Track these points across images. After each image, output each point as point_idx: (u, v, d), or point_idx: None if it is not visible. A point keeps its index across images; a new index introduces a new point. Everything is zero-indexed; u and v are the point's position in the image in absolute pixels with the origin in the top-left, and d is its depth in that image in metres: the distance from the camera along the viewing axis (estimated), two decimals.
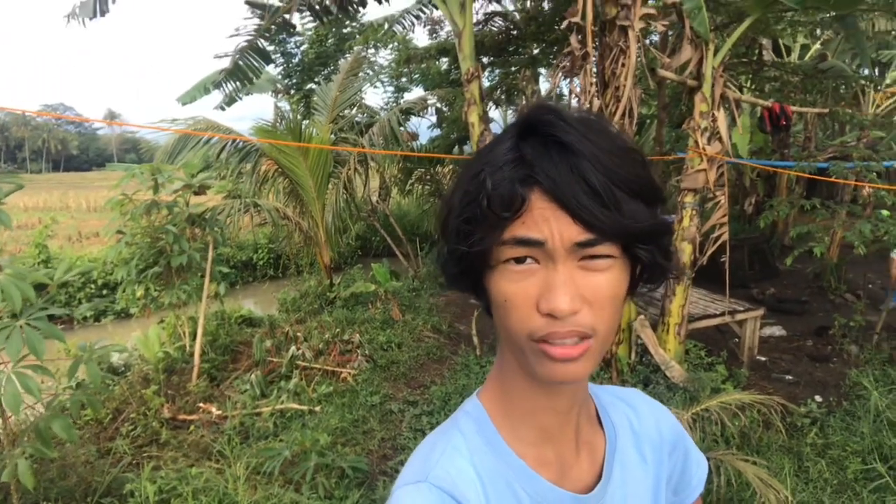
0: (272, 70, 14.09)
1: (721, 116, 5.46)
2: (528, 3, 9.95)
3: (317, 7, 7.38)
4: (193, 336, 6.40)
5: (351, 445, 4.78)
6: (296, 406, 5.35)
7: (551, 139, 0.62)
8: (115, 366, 6.46)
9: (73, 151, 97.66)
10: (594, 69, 5.32)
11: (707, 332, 6.29)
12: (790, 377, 5.73)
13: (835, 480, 3.82)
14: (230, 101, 14.41)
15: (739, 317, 5.95)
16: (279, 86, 14.84)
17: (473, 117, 6.17)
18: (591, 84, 5.32)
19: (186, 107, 14.21)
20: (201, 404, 5.52)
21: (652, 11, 5.09)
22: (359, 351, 6.41)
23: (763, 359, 6.15)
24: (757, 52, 10.68)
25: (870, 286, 7.99)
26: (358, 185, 9.45)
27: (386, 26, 12.83)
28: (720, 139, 5.43)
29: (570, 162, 0.60)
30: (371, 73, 13.72)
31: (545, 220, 0.60)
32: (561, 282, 0.60)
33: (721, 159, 5.44)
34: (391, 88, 14.54)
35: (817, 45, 11.99)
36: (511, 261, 0.63)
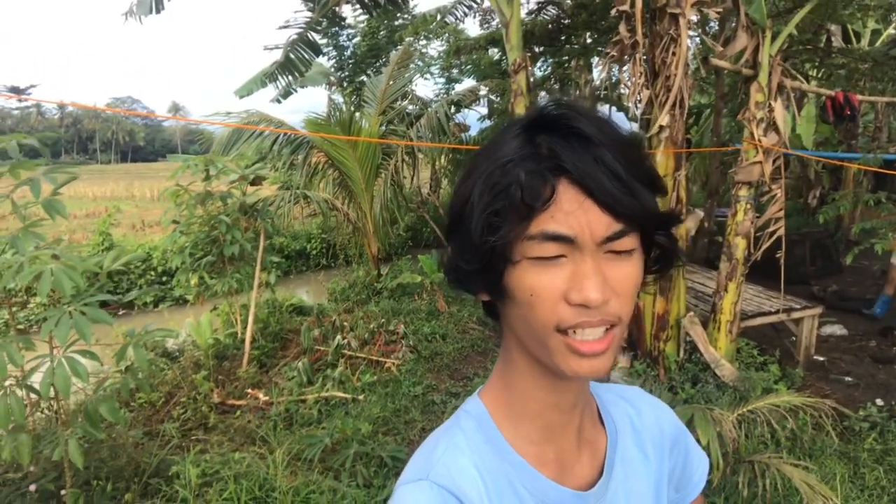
0: (325, 63, 14.26)
1: (778, 107, 5.24)
2: None
3: (366, 0, 7.42)
4: (245, 323, 6.55)
5: (392, 435, 4.82)
6: (340, 394, 5.43)
7: (571, 132, 0.62)
8: (170, 351, 6.68)
9: (139, 143, 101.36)
10: (644, 58, 5.18)
11: (761, 330, 6.08)
12: (850, 379, 5.49)
13: (893, 489, 3.64)
14: (285, 93, 14.69)
15: (796, 315, 5.71)
16: (332, 78, 15.01)
17: (520, 108, 6.11)
18: (641, 74, 5.18)
19: (244, 99, 14.59)
20: (249, 390, 5.65)
21: None
22: (403, 341, 6.46)
23: (821, 359, 5.91)
24: (824, 38, 10.21)
25: None
26: (407, 177, 9.48)
27: (438, 17, 12.83)
28: (777, 130, 5.22)
29: (593, 152, 0.61)
30: (421, 64, 13.73)
31: (574, 214, 0.61)
32: (592, 273, 0.61)
33: (778, 151, 5.23)
34: (442, 80, 14.53)
35: (890, 30, 11.37)
36: (540, 258, 0.62)
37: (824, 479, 3.56)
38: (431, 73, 14.59)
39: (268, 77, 14.20)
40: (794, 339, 5.96)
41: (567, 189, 0.61)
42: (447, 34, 13.16)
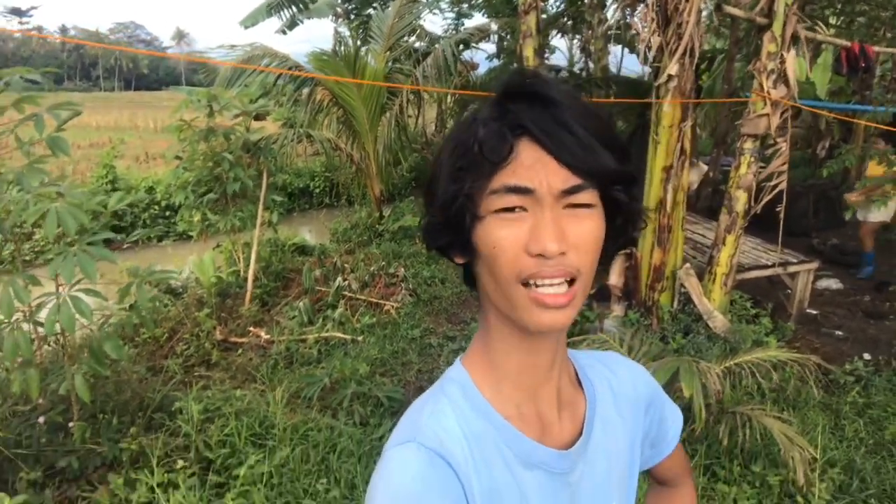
0: None
1: (790, 58, 5.13)
2: None
3: None
4: (248, 262, 6.63)
5: (389, 376, 4.96)
6: (339, 335, 5.55)
7: (536, 96, 0.67)
8: (174, 287, 6.78)
9: (143, 70, 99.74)
10: (657, 3, 5.04)
11: (758, 282, 6.13)
12: (840, 333, 5.58)
13: (871, 440, 3.76)
14: (291, 24, 14.36)
15: (792, 269, 5.76)
16: (339, 10, 14.63)
17: (528, 51, 5.99)
18: (653, 19, 5.07)
19: (249, 29, 14.28)
20: (251, 328, 5.77)
21: None
22: (403, 284, 6.54)
23: (814, 312, 5.99)
24: None
25: None
26: (412, 116, 9.36)
27: None
28: (787, 83, 5.13)
29: (554, 113, 0.66)
30: None
31: (533, 168, 0.65)
32: (549, 224, 0.65)
33: (786, 104, 5.15)
34: (452, 14, 14.14)
35: None
36: (501, 210, 0.66)
37: (805, 431, 3.68)
38: (440, 9, 14.21)
39: (273, 7, 13.88)
40: (788, 292, 6.02)
41: (527, 146, 0.65)
42: None
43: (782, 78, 5.13)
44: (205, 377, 4.80)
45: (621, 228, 0.74)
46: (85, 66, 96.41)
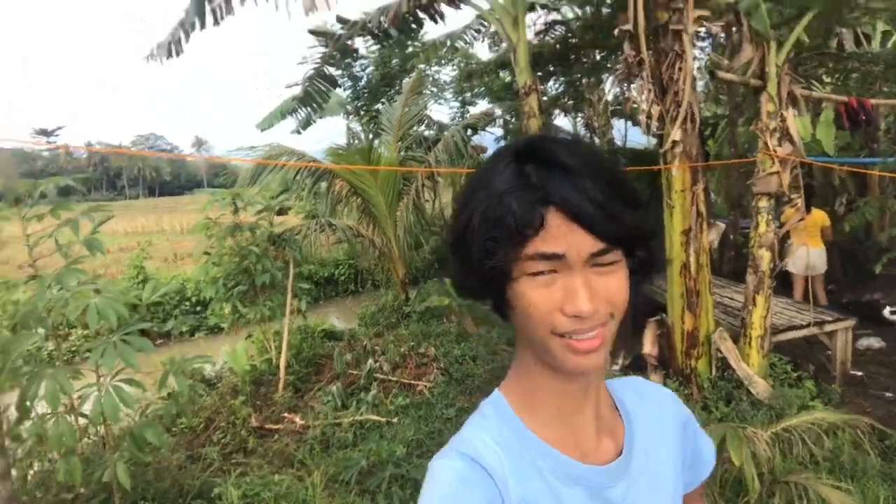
0: (342, 93, 14.56)
1: (790, 116, 5.27)
2: (585, 11, 9.90)
3: (377, 32, 7.63)
4: (279, 350, 6.70)
5: (426, 457, 4.88)
6: (374, 417, 5.53)
7: (554, 162, 0.72)
8: (208, 377, 6.84)
9: (166, 177, 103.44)
10: (651, 75, 5.25)
11: (795, 344, 5.98)
12: (890, 394, 5.40)
13: None
14: (305, 124, 14.96)
15: (829, 328, 5.64)
16: (349, 108, 15.32)
17: (533, 129, 6.21)
18: (650, 90, 5.26)
19: (265, 132, 14.91)
20: (286, 414, 5.78)
21: (706, 13, 5.00)
22: (434, 364, 6.54)
23: (859, 373, 5.77)
24: (836, 42, 10.13)
25: None
26: (428, 200, 9.63)
27: (448, 43, 13.05)
28: (791, 140, 5.24)
29: (574, 182, 0.71)
30: (435, 89, 13.93)
31: (563, 235, 0.70)
32: (581, 287, 0.71)
33: (794, 160, 5.25)
34: (456, 103, 14.74)
35: None
36: (534, 274, 0.72)
37: (865, 503, 3.51)
38: (445, 98, 14.82)
39: (288, 111, 14.54)
40: (828, 353, 5.86)
41: (555, 216, 0.70)
42: (458, 59, 13.36)
43: (786, 135, 5.25)
44: (242, 464, 4.77)
45: (640, 277, 0.80)
46: (110, 177, 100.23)
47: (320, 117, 15.01)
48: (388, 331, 7.88)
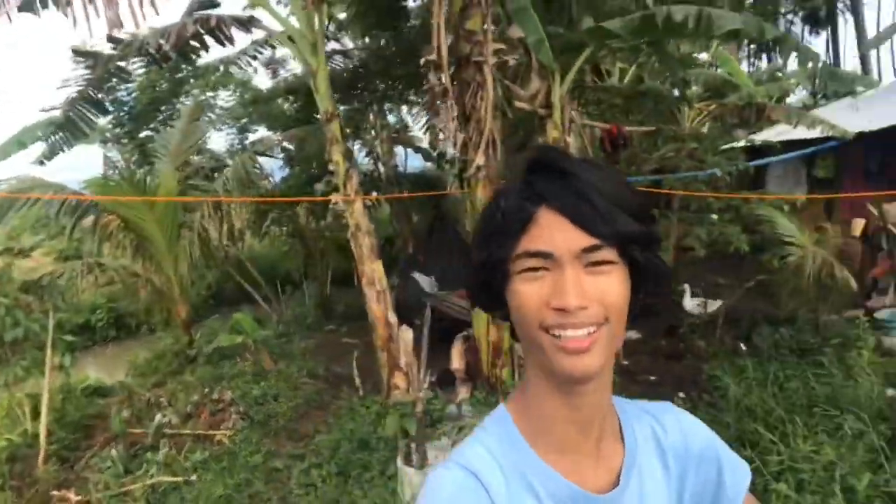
0: (99, 119, 13.06)
1: (571, 142, 5.82)
2: (373, 42, 10.08)
3: (155, 54, 6.94)
4: (35, 416, 5.69)
5: None
6: (169, 478, 4.92)
7: (557, 171, 0.75)
8: None
9: None
10: (454, 104, 5.44)
11: None
12: (653, 377, 6.13)
13: None
14: (51, 153, 13.09)
15: None
16: (108, 135, 13.76)
17: (337, 155, 6.06)
18: (453, 119, 5.45)
19: (1, 164, 12.76)
20: (55, 492, 4.90)
21: (502, 46, 5.34)
22: (232, 409, 6.01)
23: (626, 362, 6.50)
24: (587, 77, 11.49)
25: (702, 284, 8.82)
26: (212, 232, 8.90)
27: (221, 68, 12.40)
28: None
29: (572, 184, 0.73)
30: (213, 116, 13.12)
31: (552, 232, 0.73)
32: (569, 282, 0.72)
33: None
34: (234, 130, 14.02)
35: (633, 69, 13.05)
36: (524, 271, 0.75)
37: None
38: (225, 124, 14.04)
39: (31, 139, 12.64)
40: None
41: (546, 214, 0.73)
42: (234, 85, 12.75)
43: None
44: None
45: (640, 283, 0.79)
46: None
47: (69, 145, 13.29)
48: (172, 378, 7.12)
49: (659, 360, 6.64)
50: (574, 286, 0.71)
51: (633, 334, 7.38)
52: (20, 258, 6.88)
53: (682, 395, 5.50)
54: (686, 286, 7.12)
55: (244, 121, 13.70)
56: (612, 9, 6.42)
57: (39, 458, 5.40)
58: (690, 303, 7.10)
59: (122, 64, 6.89)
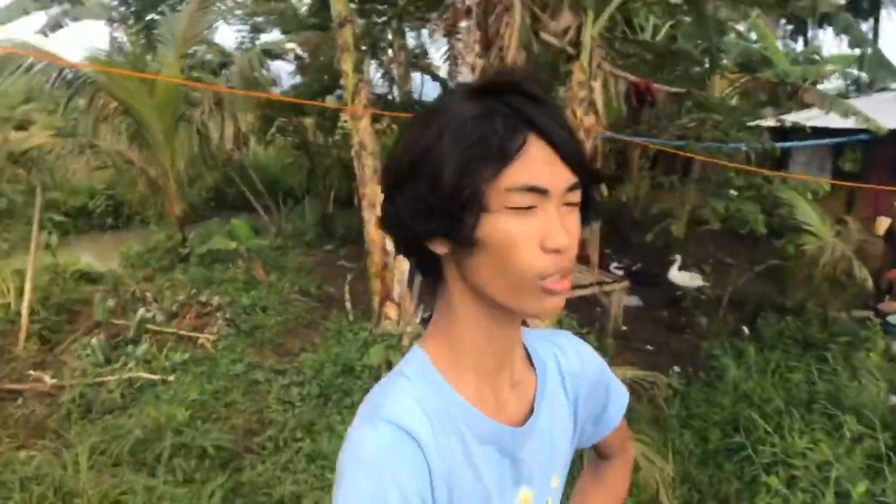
0: None
1: (598, 87, 5.46)
2: None
3: None
4: (21, 292, 5.56)
5: (212, 421, 4.37)
6: (147, 375, 4.82)
7: (526, 93, 0.70)
8: None
9: None
10: (476, 26, 5.08)
11: (575, 302, 6.41)
12: (650, 347, 6.03)
13: (698, 450, 4.01)
14: (54, 26, 12.58)
15: (608, 287, 6.14)
16: (114, 14, 13.16)
17: (347, 65, 5.70)
18: (474, 42, 5.11)
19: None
20: (31, 372, 4.82)
21: None
22: (219, 314, 5.89)
23: (625, 328, 6.42)
24: (618, 28, 11.00)
25: (711, 260, 8.65)
26: (213, 131, 8.54)
27: None
28: (596, 111, 5.45)
29: (555, 115, 0.70)
30: (223, 7, 12.43)
31: (545, 167, 0.68)
32: (560, 222, 0.69)
33: (597, 131, 5.49)
34: (246, 28, 13.42)
35: (666, 27, 12.48)
36: (516, 208, 0.68)
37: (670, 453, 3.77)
38: (236, 18, 13.43)
39: (33, 5, 12.08)
40: (599, 310, 6.40)
41: (536, 143, 0.67)
42: None
43: (591, 106, 5.45)
44: None
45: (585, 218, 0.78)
46: None
47: (75, 19, 12.72)
48: (161, 275, 6.96)
49: (659, 330, 6.55)
50: (562, 225, 0.69)
51: (635, 300, 7.25)
52: (16, 129, 6.58)
53: (677, 368, 5.42)
54: (678, 257, 6.93)
55: (259, 19, 13.12)
56: None
57: (21, 336, 5.31)
58: (678, 274, 6.92)
59: None
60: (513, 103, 0.68)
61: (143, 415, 4.01)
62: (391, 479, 0.67)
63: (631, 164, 12.32)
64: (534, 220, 0.68)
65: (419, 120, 0.74)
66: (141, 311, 5.54)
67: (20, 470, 3.19)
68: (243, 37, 13.87)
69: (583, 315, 6.20)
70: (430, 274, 0.79)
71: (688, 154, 7.43)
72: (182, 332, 5.54)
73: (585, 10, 5.33)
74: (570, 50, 5.46)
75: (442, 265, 0.76)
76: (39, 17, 12.57)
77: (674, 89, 9.09)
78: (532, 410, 0.84)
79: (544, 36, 5.39)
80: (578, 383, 0.93)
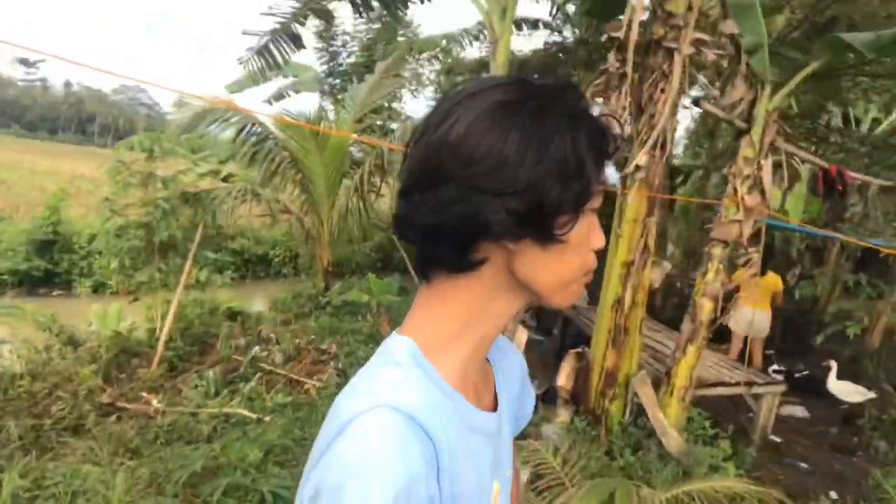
0: (318, 69, 13.82)
1: (767, 166, 4.80)
2: (582, 30, 9.45)
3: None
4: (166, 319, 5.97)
5: (288, 466, 4.20)
6: (243, 412, 4.83)
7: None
8: (77, 339, 6.03)
9: (139, 131, 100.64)
10: (629, 91, 4.72)
11: (719, 401, 5.57)
12: (805, 465, 5.01)
13: None
14: (278, 96, 14.18)
15: (757, 390, 5.21)
16: (325, 86, 14.59)
17: None
18: (625, 107, 4.73)
19: (234, 95, 14.06)
20: (145, 393, 5.04)
21: (705, 37, 4.49)
22: (333, 363, 5.86)
23: (778, 440, 5.43)
24: (827, 120, 10.01)
25: None
26: (376, 190, 8.85)
27: (444, 43, 12.40)
28: (762, 191, 4.78)
29: None
30: (409, 77, 13.22)
31: None
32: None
33: (761, 213, 4.77)
34: (433, 101, 14.14)
35: (891, 118, 11.08)
36: (593, 208, 0.75)
37: None
38: (421, 93, 14.19)
39: (257, 77, 13.70)
40: (751, 415, 5.45)
41: None
42: (441, 53, 12.72)
43: (758, 185, 4.79)
44: (64, 443, 4.04)
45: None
46: (82, 120, 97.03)
47: (296, 91, 14.25)
48: (298, 320, 7.17)
49: (822, 449, 5.44)
50: None
51: (800, 411, 6.18)
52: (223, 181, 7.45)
53: (834, 494, 4.38)
54: (832, 363, 5.90)
55: (446, 90, 13.71)
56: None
57: (155, 360, 5.65)
58: (837, 384, 5.85)
59: (325, 3, 7.00)
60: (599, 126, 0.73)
61: (214, 449, 3.95)
62: (410, 476, 0.62)
63: (826, 263, 10.75)
64: (589, 221, 0.75)
65: (509, 119, 0.69)
66: (256, 349, 5.66)
67: (73, 483, 3.21)
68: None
69: (722, 415, 5.29)
70: (456, 269, 0.74)
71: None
72: (293, 376, 5.55)
73: (762, 83, 4.80)
74: (740, 124, 4.90)
75: (484, 261, 0.73)
76: (269, 88, 14.38)
77: (877, 181, 7.83)
78: (496, 399, 0.88)
79: (706, 106, 4.89)
80: (514, 379, 0.97)
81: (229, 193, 6.80)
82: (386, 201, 10.47)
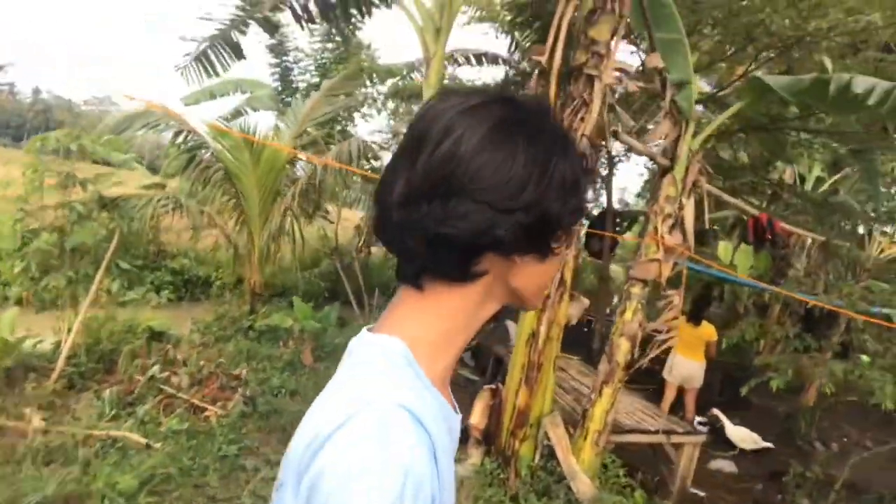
0: (272, 85, 13.68)
1: (689, 206, 4.74)
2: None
3: (300, 12, 6.81)
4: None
5: (167, 499, 3.88)
6: (131, 435, 4.48)
7: None
8: None
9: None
10: None
11: (640, 449, 5.40)
12: None
13: None
14: (235, 114, 13.94)
15: (676, 439, 5.07)
16: (280, 105, 14.44)
17: None
18: None
19: (189, 107, 13.78)
20: (28, 410, 4.67)
21: (626, 66, 4.45)
22: (241, 389, 5.54)
23: (701, 494, 5.30)
24: (779, 178, 10.23)
25: (844, 439, 7.10)
26: (324, 215, 8.56)
27: (404, 72, 12.34)
28: (684, 231, 4.70)
29: None
30: (361, 99, 13.09)
31: None
32: None
33: (681, 253, 4.69)
34: (387, 126, 14.07)
35: (835, 178, 11.34)
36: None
37: None
38: (370, 115, 14.10)
39: (221, 93, 13.46)
40: (672, 466, 5.29)
41: None
42: (393, 79, 12.63)
43: (679, 225, 4.71)
44: None
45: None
46: (50, 129, 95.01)
47: (253, 109, 14.02)
48: (217, 343, 6.82)
49: None
50: None
51: (727, 466, 6.08)
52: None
53: None
54: (716, 411, 6.38)
55: (392, 118, 13.61)
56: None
57: (53, 375, 5.29)
58: (734, 430, 6.31)
59: (271, 14, 6.87)
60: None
61: (80, 474, 3.62)
62: (420, 472, 0.63)
63: (769, 319, 10.68)
64: None
65: (558, 138, 0.79)
66: (155, 369, 5.33)
67: None
68: (384, 135, 14.58)
69: (643, 465, 5.13)
70: (457, 278, 0.76)
71: (840, 311, 6.22)
72: (194, 401, 5.22)
73: (686, 121, 4.77)
74: (663, 161, 4.86)
75: (485, 272, 0.76)
76: (226, 104, 14.13)
77: (809, 234, 7.89)
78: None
79: (625, 138, 4.82)
80: None
81: (150, 201, 6.49)
82: (326, 225, 10.21)
